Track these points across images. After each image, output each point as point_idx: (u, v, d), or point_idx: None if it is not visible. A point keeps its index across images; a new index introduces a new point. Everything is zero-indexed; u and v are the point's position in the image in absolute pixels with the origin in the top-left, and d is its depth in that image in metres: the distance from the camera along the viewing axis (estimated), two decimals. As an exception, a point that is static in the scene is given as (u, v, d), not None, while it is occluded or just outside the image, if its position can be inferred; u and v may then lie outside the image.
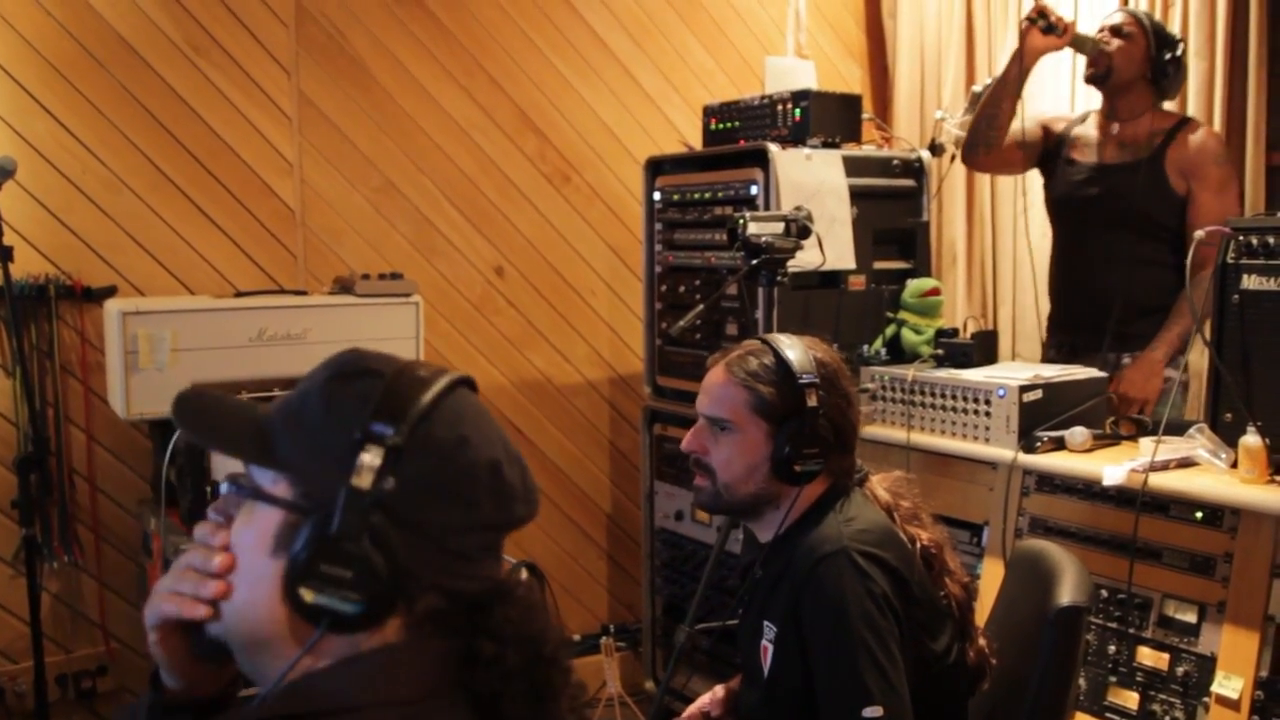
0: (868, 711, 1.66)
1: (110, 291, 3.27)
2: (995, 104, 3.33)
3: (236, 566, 1.01)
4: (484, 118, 3.90)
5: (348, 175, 3.68)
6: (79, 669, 3.32)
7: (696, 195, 3.55)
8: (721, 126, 3.64)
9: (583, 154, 4.09)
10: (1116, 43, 3.22)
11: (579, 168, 4.09)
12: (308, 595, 0.94)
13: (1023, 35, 3.24)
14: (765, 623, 1.86)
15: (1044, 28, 3.18)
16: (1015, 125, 3.38)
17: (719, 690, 2.14)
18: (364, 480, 0.94)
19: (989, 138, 3.37)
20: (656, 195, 3.73)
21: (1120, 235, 3.25)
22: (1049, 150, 3.45)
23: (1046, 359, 3.50)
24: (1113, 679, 2.50)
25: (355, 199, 3.70)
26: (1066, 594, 1.79)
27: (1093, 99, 3.51)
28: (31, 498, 3.04)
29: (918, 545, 1.84)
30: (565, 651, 1.05)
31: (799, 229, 2.55)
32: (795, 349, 1.88)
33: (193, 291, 3.43)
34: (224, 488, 1.07)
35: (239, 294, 3.31)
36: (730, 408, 1.89)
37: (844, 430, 1.89)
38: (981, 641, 1.89)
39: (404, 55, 3.75)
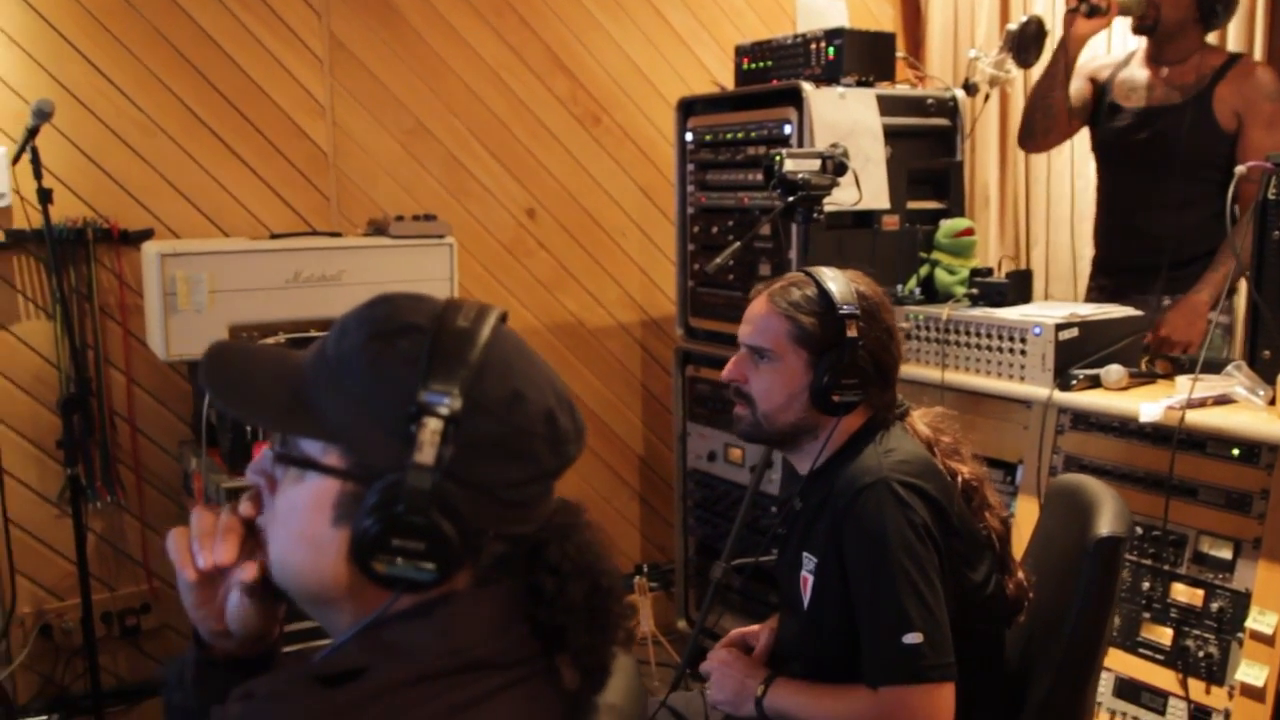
0: (908, 638, 1.67)
1: (147, 234, 3.29)
2: (1047, 94, 3.33)
3: (289, 534, 1.01)
4: (514, 58, 3.88)
5: (379, 117, 3.68)
6: (123, 607, 3.39)
7: (729, 135, 3.53)
8: (754, 66, 3.62)
9: (613, 95, 4.07)
10: None
11: (609, 109, 4.07)
12: (381, 567, 0.94)
13: (1067, 25, 3.21)
14: (805, 554, 1.88)
15: (1087, 12, 3.13)
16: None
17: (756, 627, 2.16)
18: (426, 456, 0.93)
19: (1045, 126, 3.38)
20: (689, 136, 3.72)
21: (1167, 178, 3.21)
22: (1095, 96, 3.41)
23: (1090, 300, 3.48)
24: (1146, 615, 2.51)
25: (387, 141, 3.70)
26: (1105, 525, 1.79)
27: (1129, 41, 3.46)
28: (75, 439, 3.09)
29: (959, 479, 1.85)
30: (620, 580, 1.07)
31: (835, 166, 2.54)
32: (837, 280, 1.88)
33: (227, 234, 3.45)
34: (265, 453, 1.05)
35: (274, 236, 3.32)
36: (771, 337, 1.90)
37: (884, 363, 1.89)
38: (1020, 575, 1.90)
39: (433, -4, 3.74)
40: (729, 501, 3.66)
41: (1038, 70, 3.64)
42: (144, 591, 3.42)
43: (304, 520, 0.99)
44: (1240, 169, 2.45)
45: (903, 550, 1.70)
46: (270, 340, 2.94)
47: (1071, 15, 3.19)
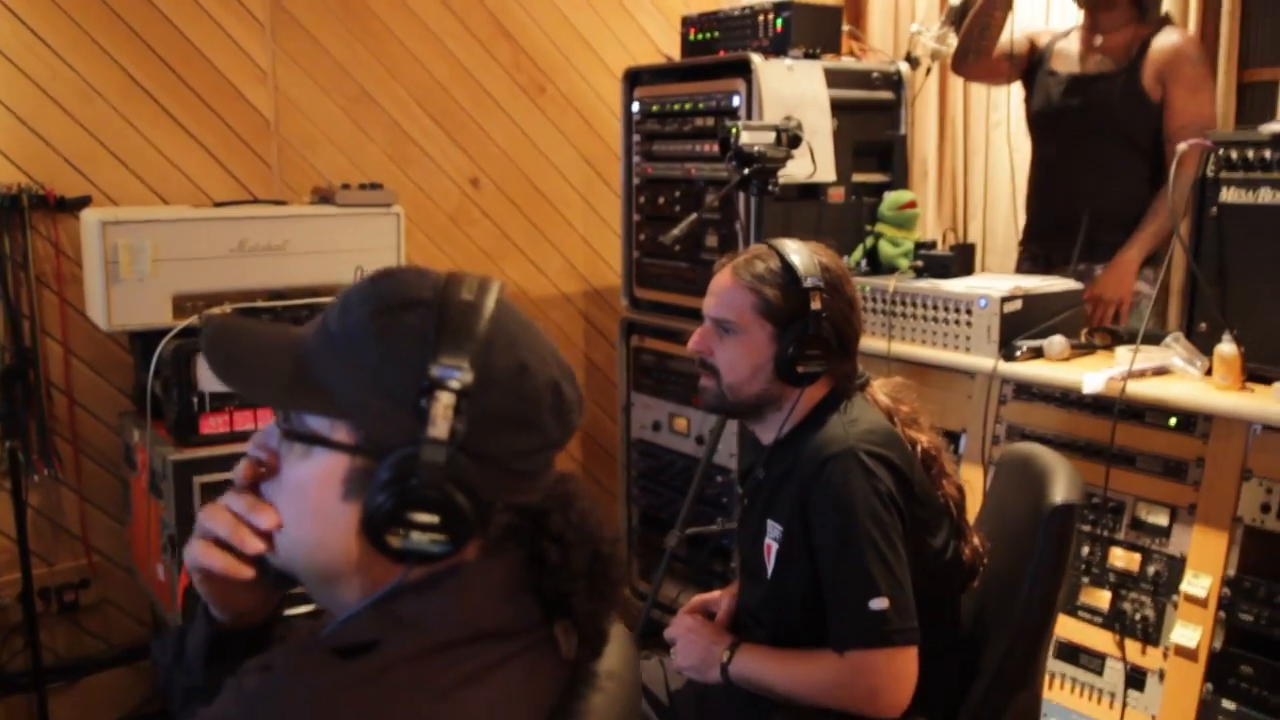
0: (874, 603, 1.72)
1: (84, 201, 3.21)
2: (988, 13, 3.39)
3: (297, 510, 1.01)
4: (458, 25, 3.85)
5: (322, 83, 3.63)
6: (61, 582, 3.31)
7: (677, 106, 3.53)
8: (701, 37, 3.62)
9: (557, 64, 4.06)
10: None
11: (553, 78, 4.05)
12: (394, 541, 0.95)
13: None
14: (769, 522, 1.91)
15: None
16: (1005, 38, 3.42)
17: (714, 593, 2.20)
18: (440, 430, 0.93)
19: (980, 46, 3.43)
20: (635, 106, 3.71)
21: (1097, 145, 3.31)
22: (1032, 63, 3.49)
23: (1020, 269, 3.57)
24: (1085, 580, 2.60)
25: (330, 108, 3.65)
26: (1060, 493, 1.84)
27: (1068, 15, 3.54)
28: (16, 410, 3.02)
29: (918, 448, 1.90)
30: (620, 546, 1.09)
31: (790, 139, 2.57)
32: (801, 253, 1.91)
33: (166, 201, 3.38)
34: (269, 429, 1.05)
35: (218, 204, 3.27)
36: (736, 310, 1.92)
37: (846, 334, 1.93)
38: (975, 540, 1.95)
39: (377, -39, 3.69)
40: (673, 471, 3.70)
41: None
42: (83, 566, 3.35)
43: (312, 496, 1.00)
44: (1182, 146, 2.51)
45: (869, 518, 1.74)
46: (216, 310, 2.90)
47: None
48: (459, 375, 0.94)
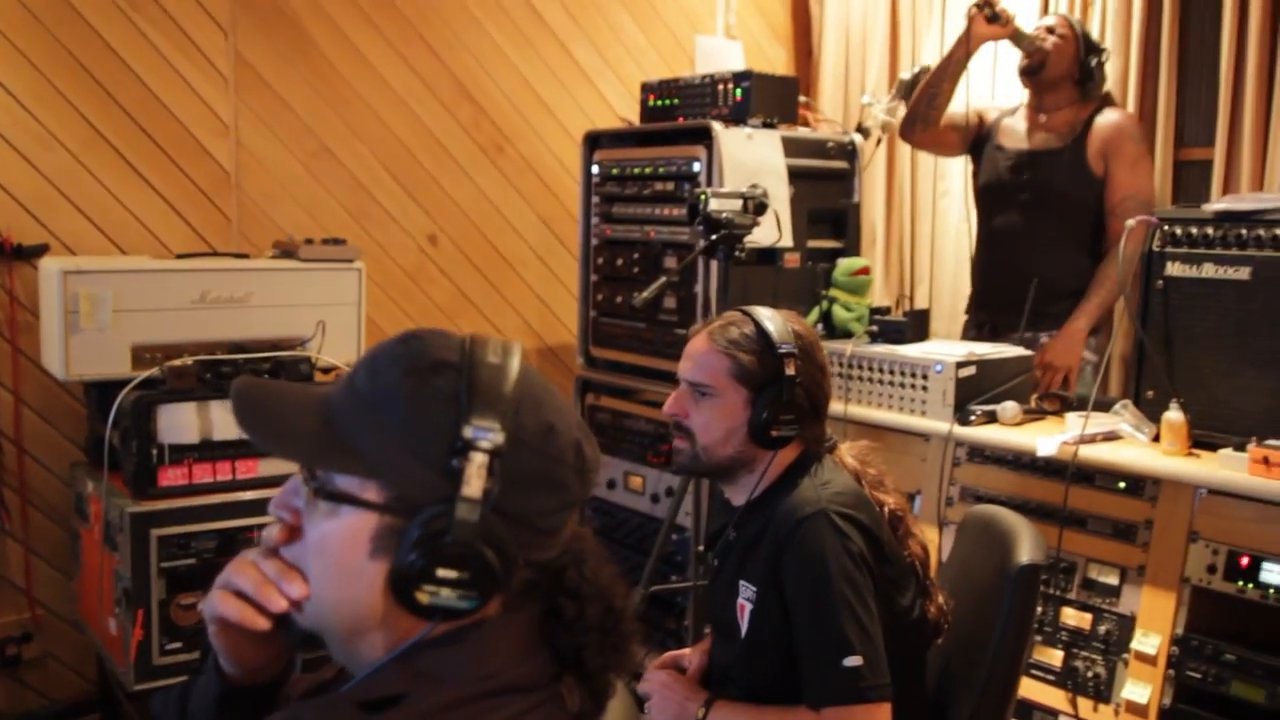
0: (849, 660, 1.75)
1: (42, 250, 3.19)
2: (937, 84, 3.52)
3: (323, 568, 1.02)
4: (421, 86, 3.90)
5: (284, 139, 3.65)
6: (3, 635, 3.25)
7: (637, 170, 3.60)
8: (660, 104, 3.70)
9: (517, 126, 4.12)
10: (1051, 40, 3.41)
11: (513, 139, 4.11)
12: (424, 598, 0.96)
13: (969, 22, 3.43)
14: (741, 582, 1.94)
15: (989, 16, 3.38)
16: (957, 110, 3.56)
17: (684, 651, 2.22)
18: (474, 489, 0.95)
19: (928, 116, 3.55)
20: (595, 169, 3.77)
21: (1042, 217, 3.44)
22: (980, 137, 3.62)
23: (966, 336, 3.67)
24: (1038, 638, 2.65)
25: (291, 163, 3.67)
26: (1025, 554, 1.90)
27: (1013, 93, 3.69)
28: (-34, 459, 2.97)
29: (885, 509, 1.95)
30: (632, 601, 1.11)
31: (756, 206, 2.64)
32: (774, 320, 1.96)
33: (124, 251, 3.36)
34: (289, 488, 1.06)
35: (180, 256, 3.26)
36: (712, 374, 1.96)
37: (817, 399, 1.98)
38: (940, 598, 2.00)
39: (343, 20, 3.73)
40: (628, 529, 3.71)
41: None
42: (25, 620, 3.28)
43: (339, 554, 1.00)
44: (1130, 221, 2.63)
45: (842, 578, 1.78)
46: (178, 362, 2.88)
47: (976, 12, 3.42)
48: (491, 436, 0.97)
